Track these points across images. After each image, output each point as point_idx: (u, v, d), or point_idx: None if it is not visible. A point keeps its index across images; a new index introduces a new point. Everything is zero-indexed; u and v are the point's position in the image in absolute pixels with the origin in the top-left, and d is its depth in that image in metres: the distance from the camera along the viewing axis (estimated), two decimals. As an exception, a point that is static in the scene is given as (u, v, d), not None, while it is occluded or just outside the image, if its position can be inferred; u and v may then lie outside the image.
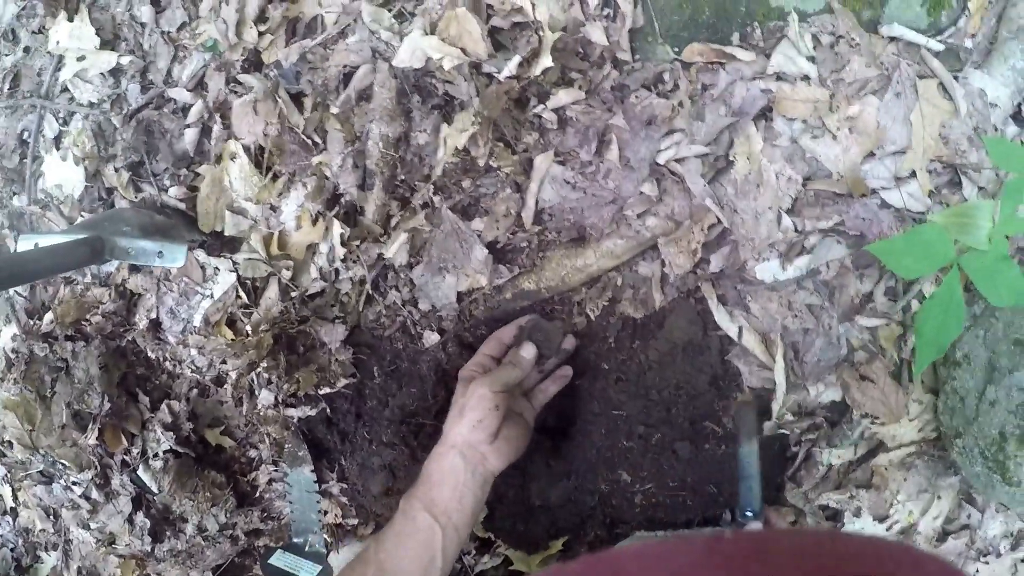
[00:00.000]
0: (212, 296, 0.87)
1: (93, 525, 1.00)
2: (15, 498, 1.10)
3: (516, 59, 0.75)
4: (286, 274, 0.82)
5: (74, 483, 0.96)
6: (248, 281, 0.84)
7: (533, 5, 0.74)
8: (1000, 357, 0.77)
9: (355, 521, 0.90)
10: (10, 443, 1.00)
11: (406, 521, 0.66)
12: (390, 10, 0.79)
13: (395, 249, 0.79)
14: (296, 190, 0.81)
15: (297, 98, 0.84)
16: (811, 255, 0.78)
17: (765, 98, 0.77)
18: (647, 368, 0.78)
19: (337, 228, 0.79)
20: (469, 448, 0.67)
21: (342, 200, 0.80)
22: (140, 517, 0.95)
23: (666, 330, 0.78)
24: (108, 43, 0.92)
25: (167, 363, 0.94)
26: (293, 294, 0.82)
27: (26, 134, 0.98)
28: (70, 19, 0.92)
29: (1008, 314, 0.78)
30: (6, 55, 1.02)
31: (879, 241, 0.75)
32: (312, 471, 0.87)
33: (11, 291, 1.01)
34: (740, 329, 0.77)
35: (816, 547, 0.31)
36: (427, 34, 0.76)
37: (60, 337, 0.94)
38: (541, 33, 0.75)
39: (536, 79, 0.76)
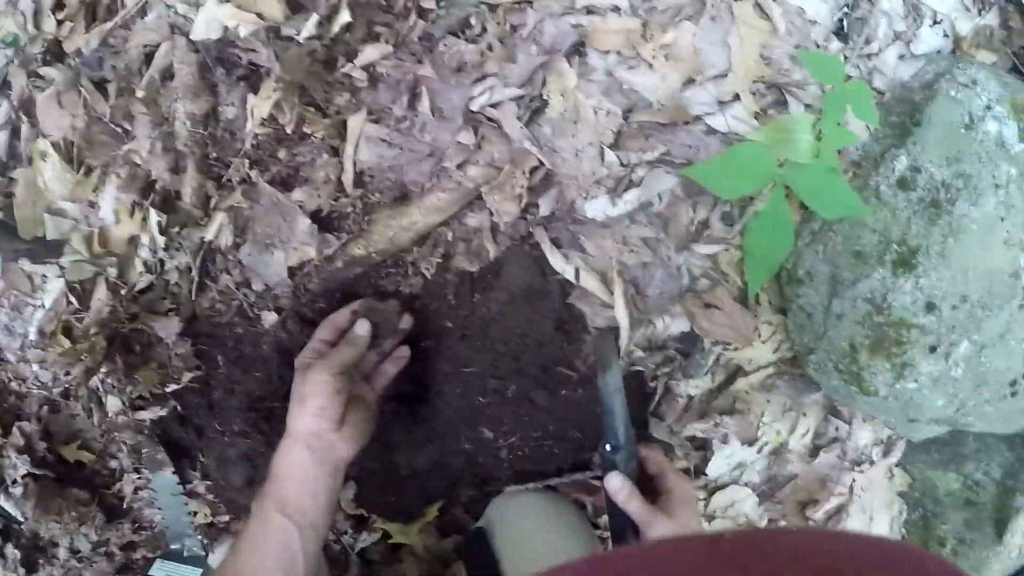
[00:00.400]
0: (44, 306, 0.83)
1: (-27, 564, 0.95)
2: None
3: (314, 18, 0.72)
4: (112, 272, 0.78)
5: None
6: (76, 285, 0.80)
7: (323, -39, 0.72)
8: (842, 270, 0.77)
9: (227, 518, 0.87)
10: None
11: (260, 524, 0.62)
12: (182, -17, 0.76)
13: (216, 231, 0.76)
14: (110, 182, 0.78)
15: (102, 85, 0.80)
16: (640, 188, 0.77)
17: (576, 33, 0.76)
18: (490, 321, 0.77)
19: (154, 216, 0.75)
20: (315, 438, 0.64)
21: (157, 187, 0.77)
22: (10, 549, 0.91)
23: (504, 280, 0.76)
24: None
25: (12, 383, 0.89)
26: (122, 292, 0.79)
27: None
28: None
29: (846, 227, 0.78)
30: None
31: (697, 164, 0.74)
32: (174, 472, 0.84)
33: None
34: (577, 270, 0.76)
35: (818, 548, 0.31)
36: (222, 3, 0.73)
37: None
38: (333, -11, 0.72)
39: (340, 37, 0.74)
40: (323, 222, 0.76)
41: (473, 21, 0.76)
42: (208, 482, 0.85)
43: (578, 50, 0.77)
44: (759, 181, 0.74)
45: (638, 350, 0.78)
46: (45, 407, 0.89)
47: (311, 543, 0.62)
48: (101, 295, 0.79)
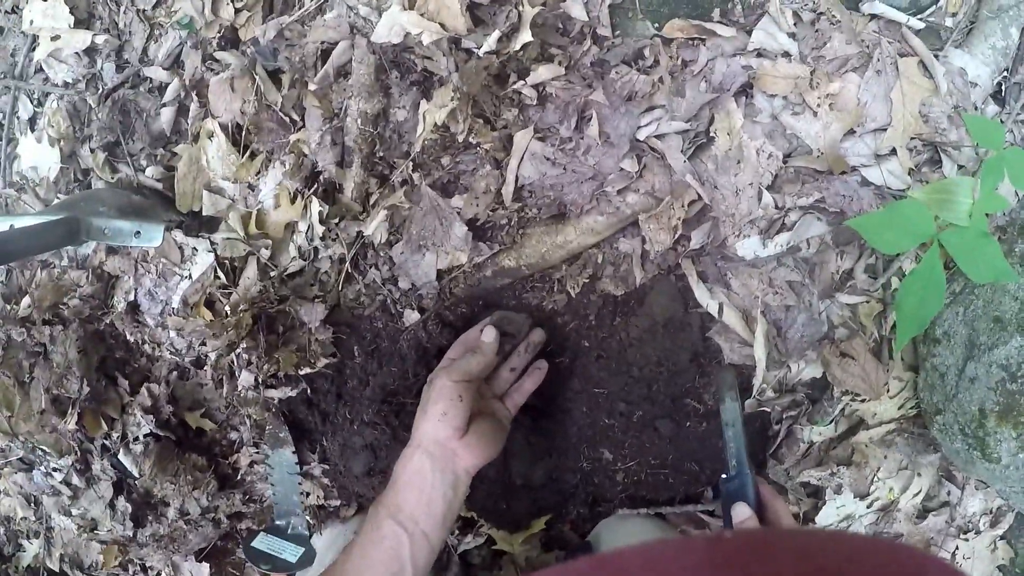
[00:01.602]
0: (190, 277, 0.86)
1: (75, 511, 0.99)
2: (-5, 486, 1.09)
3: (496, 34, 0.74)
4: (265, 253, 0.81)
5: (54, 469, 0.95)
6: (227, 261, 0.83)
7: (511, -21, 0.74)
8: (980, 334, 0.77)
9: (337, 503, 0.90)
10: (-15, 430, 0.99)
11: (372, 530, 0.62)
12: (368, -15, 0.78)
13: (374, 227, 0.78)
14: (274, 168, 0.80)
15: (274, 75, 0.83)
16: (791, 232, 0.77)
17: (745, 74, 0.77)
18: (628, 345, 0.78)
19: (316, 206, 0.78)
20: (436, 446, 0.64)
21: (321, 178, 0.79)
22: (121, 502, 0.94)
23: (647, 307, 0.77)
24: (83, 22, 0.91)
25: (146, 346, 0.93)
26: (272, 273, 0.81)
27: (1, 115, 0.97)
28: (43, -3, 0.90)
29: (987, 291, 0.78)
30: (-19, 35, 1.00)
31: (860, 216, 0.75)
32: (293, 452, 0.87)
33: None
34: (720, 306, 0.77)
35: (819, 548, 0.30)
36: (405, 9, 0.75)
37: (37, 321, 0.92)
38: (520, 8, 0.74)
39: (516, 55, 0.76)
40: (478, 230, 0.78)
41: (647, 53, 0.77)
42: (325, 466, 0.87)
43: (746, 91, 0.78)
44: (917, 239, 0.74)
45: (769, 390, 0.79)
46: (174, 373, 0.92)
47: (422, 552, 0.61)
48: (251, 274, 0.82)
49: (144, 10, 0.89)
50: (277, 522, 0.92)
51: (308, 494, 0.89)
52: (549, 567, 0.33)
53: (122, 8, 0.90)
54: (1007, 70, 0.84)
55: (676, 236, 0.76)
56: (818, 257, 0.78)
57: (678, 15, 0.77)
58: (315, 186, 0.79)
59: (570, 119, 0.76)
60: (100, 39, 0.89)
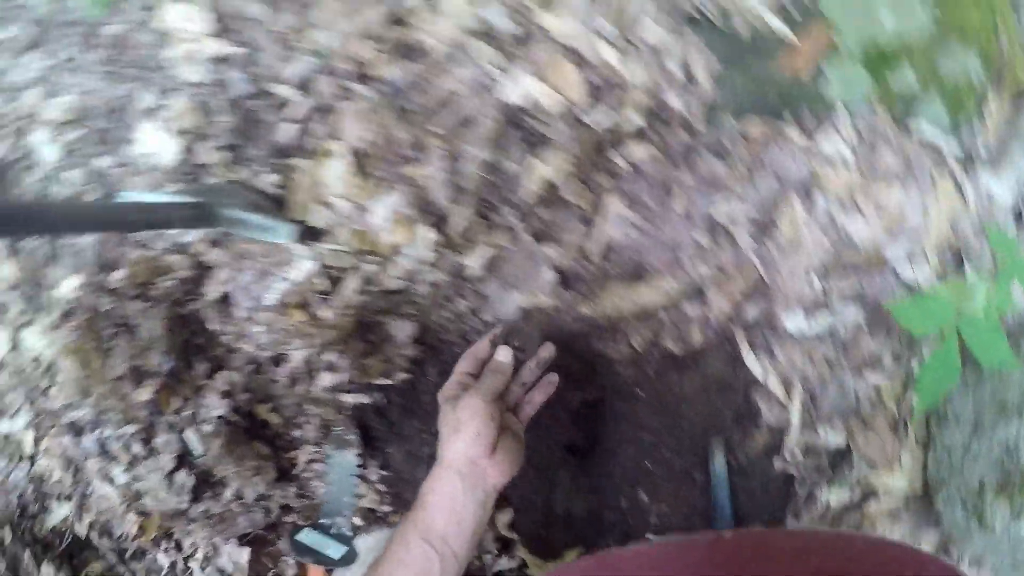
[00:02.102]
0: (290, 280, 0.94)
1: (121, 480, 1.03)
2: (36, 445, 1.12)
3: (605, 110, 0.85)
4: (370, 268, 0.90)
5: (117, 435, 1.00)
6: (330, 270, 0.91)
7: (625, 67, 0.86)
8: (985, 416, 0.89)
9: (388, 509, 0.96)
10: (47, 390, 1.04)
11: (401, 550, 0.62)
12: (497, 48, 0.90)
13: (474, 261, 0.87)
14: (391, 195, 0.90)
15: (404, 113, 0.93)
16: (833, 315, 0.89)
17: (809, 174, 0.89)
18: (681, 400, 0.88)
19: (425, 234, 0.87)
20: (469, 465, 0.64)
21: (432, 209, 0.89)
22: (182, 475, 0.99)
23: (701, 367, 0.88)
24: (217, 31, 1.00)
25: (226, 336, 1.00)
26: (373, 288, 0.90)
27: (122, 101, 1.05)
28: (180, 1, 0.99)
29: (995, 379, 0.91)
30: (112, 24, 1.08)
31: (894, 302, 0.87)
32: (358, 455, 0.93)
33: (82, 243, 1.05)
34: (765, 372, 0.88)
35: (818, 548, 0.30)
36: (530, 75, 0.87)
37: (127, 295, 0.99)
38: (628, 92, 0.86)
39: (617, 129, 0.87)
40: (563, 278, 0.88)
41: (728, 145, 0.89)
42: (384, 472, 0.94)
43: (807, 188, 0.90)
44: (939, 324, 0.87)
45: (798, 452, 0.89)
46: (251, 365, 0.99)
47: (451, 573, 0.61)
48: (354, 285, 0.90)
49: (279, 31, 0.99)
50: (323, 520, 0.97)
51: (362, 496, 0.95)
52: (551, 568, 0.32)
53: (258, 25, 1.00)
54: (1026, 194, 0.99)
55: (736, 306, 0.87)
56: (852, 338, 0.90)
57: (760, 116, 0.90)
58: (426, 216, 0.88)
59: (657, 192, 0.87)
60: (232, 50, 0.99)
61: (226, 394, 0.97)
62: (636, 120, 0.85)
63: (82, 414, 1.02)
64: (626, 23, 0.86)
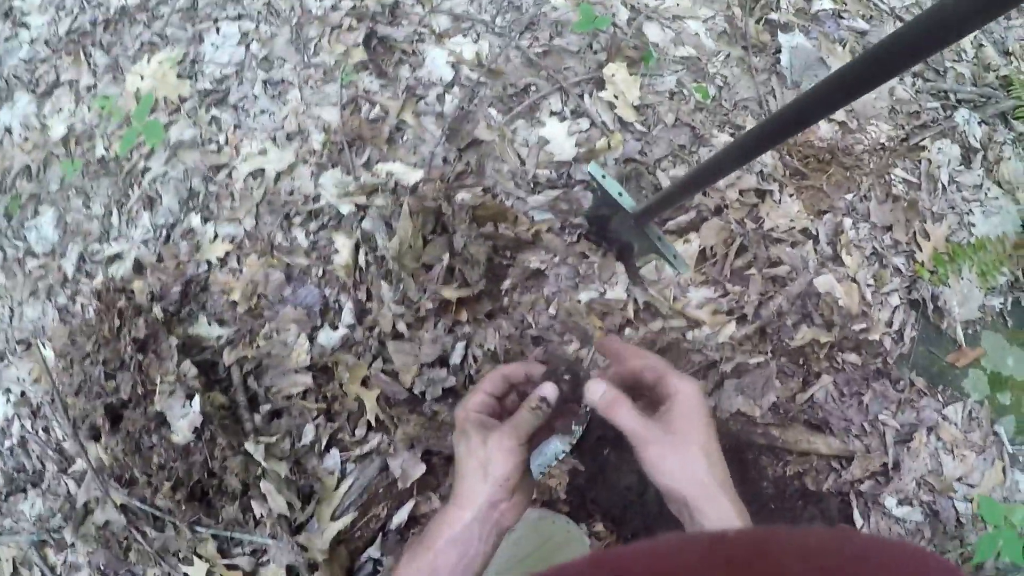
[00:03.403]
0: (601, 293, 1.40)
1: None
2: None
3: (856, 321, 1.38)
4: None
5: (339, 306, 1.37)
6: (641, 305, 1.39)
7: (872, 309, 1.39)
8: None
9: (562, 496, 1.38)
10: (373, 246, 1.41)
11: None
12: (822, 260, 1.43)
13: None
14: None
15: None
16: (915, 509, 1.39)
17: (936, 422, 1.42)
18: (792, 522, 1.35)
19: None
20: (490, 508, 0.58)
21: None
22: (441, 372, 1.38)
23: (820, 505, 1.35)
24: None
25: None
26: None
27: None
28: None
29: None
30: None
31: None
32: (571, 445, 1.36)
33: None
34: (861, 530, 1.36)
35: (821, 547, 0.30)
36: (834, 279, 1.39)
37: (460, 214, 1.33)
38: (871, 324, 1.39)
39: (851, 336, 1.39)
40: (776, 402, 1.37)
41: (902, 382, 1.42)
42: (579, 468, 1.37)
43: (932, 429, 1.42)
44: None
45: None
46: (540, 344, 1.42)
47: None
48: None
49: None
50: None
51: (550, 476, 1.34)
52: (549, 568, 0.32)
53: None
54: None
55: (862, 476, 1.36)
56: (921, 527, 1.39)
57: (918, 374, 1.43)
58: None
59: (853, 387, 1.38)
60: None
61: (509, 338, 1.37)
62: (859, 338, 1.37)
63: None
64: (881, 285, 1.40)
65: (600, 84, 1.55)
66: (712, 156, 0.86)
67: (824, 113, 0.63)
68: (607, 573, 0.32)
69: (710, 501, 0.51)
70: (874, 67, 0.53)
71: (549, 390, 0.61)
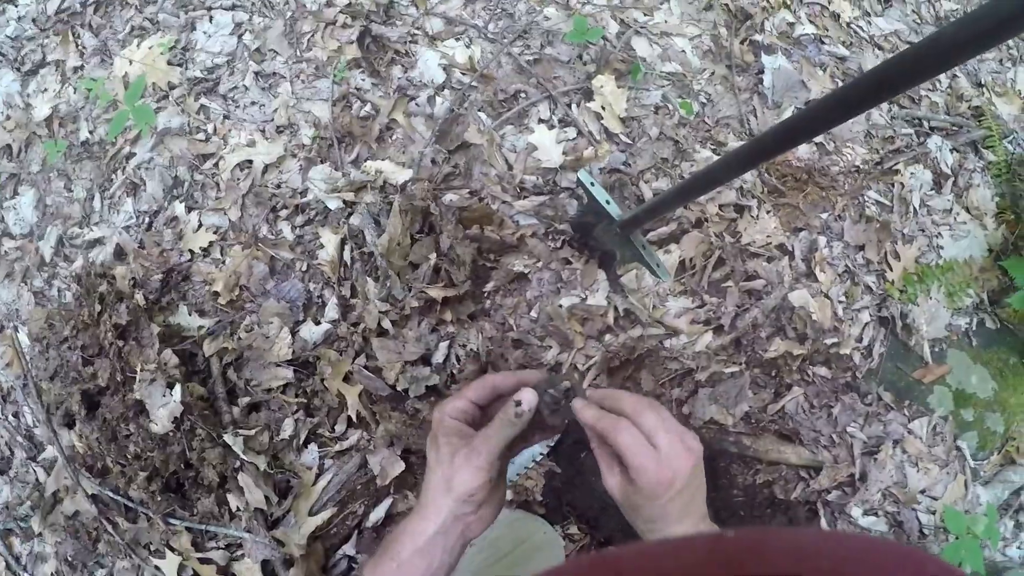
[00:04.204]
0: (583, 299, 1.43)
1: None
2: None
3: (826, 334, 1.42)
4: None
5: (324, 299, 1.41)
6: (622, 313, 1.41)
7: (844, 325, 1.43)
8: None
9: (542, 499, 1.40)
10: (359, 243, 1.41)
11: None
12: (796, 276, 1.47)
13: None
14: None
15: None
16: (882, 519, 1.43)
17: (902, 436, 1.47)
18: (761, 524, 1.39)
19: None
20: (454, 520, 0.58)
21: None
22: (425, 370, 1.40)
23: (788, 513, 1.39)
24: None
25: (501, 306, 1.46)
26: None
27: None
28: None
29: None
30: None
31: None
32: (548, 447, 1.39)
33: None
34: (831, 533, 1.40)
35: (818, 548, 0.30)
36: (808, 295, 1.44)
37: (448, 215, 1.36)
38: (842, 339, 1.43)
39: (822, 349, 1.44)
40: (749, 413, 1.40)
41: (870, 396, 1.47)
42: (556, 470, 1.39)
43: (897, 441, 1.47)
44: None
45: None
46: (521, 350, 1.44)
47: None
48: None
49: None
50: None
51: (528, 477, 1.37)
52: (548, 569, 0.33)
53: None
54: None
55: (830, 486, 1.40)
56: (886, 537, 1.44)
57: (888, 390, 1.48)
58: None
59: (823, 399, 1.43)
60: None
61: (491, 339, 1.40)
62: (830, 352, 1.41)
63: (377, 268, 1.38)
64: (852, 301, 1.45)
65: (588, 95, 1.58)
66: (703, 169, 0.89)
67: (816, 132, 0.66)
68: (606, 573, 0.32)
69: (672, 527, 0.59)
70: (873, 90, 0.56)
71: (527, 396, 0.60)
